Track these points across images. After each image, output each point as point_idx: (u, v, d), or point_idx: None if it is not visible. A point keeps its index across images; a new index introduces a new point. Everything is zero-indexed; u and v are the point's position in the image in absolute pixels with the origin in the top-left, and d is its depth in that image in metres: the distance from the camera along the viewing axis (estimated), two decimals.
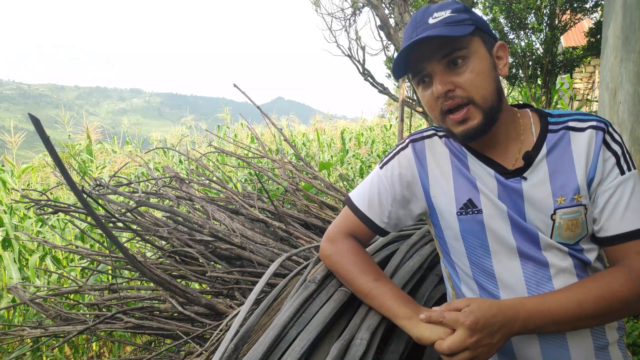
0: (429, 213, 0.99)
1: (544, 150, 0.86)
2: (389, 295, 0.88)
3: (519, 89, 6.59)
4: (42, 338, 2.19)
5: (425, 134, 0.98)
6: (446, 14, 0.82)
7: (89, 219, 2.43)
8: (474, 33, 0.83)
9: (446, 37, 0.80)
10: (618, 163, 0.83)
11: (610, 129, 0.84)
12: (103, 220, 2.09)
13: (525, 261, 0.86)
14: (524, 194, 0.86)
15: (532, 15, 5.74)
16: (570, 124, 0.86)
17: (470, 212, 0.89)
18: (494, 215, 0.87)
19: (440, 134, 0.97)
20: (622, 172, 0.82)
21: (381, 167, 1.00)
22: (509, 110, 0.91)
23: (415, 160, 0.96)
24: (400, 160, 0.97)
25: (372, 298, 0.91)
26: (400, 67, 0.88)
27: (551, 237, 0.85)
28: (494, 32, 0.92)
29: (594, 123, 0.85)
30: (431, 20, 0.82)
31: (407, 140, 0.99)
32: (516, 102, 0.95)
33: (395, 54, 7.13)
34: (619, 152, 0.83)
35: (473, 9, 0.91)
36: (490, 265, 0.89)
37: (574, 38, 9.65)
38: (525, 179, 0.86)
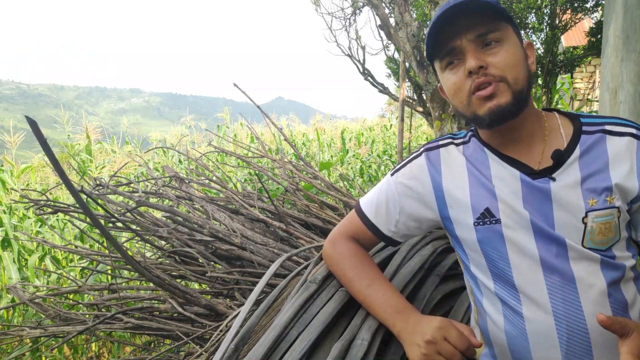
0: (443, 224, 0.95)
1: (577, 152, 0.82)
2: (379, 304, 0.87)
3: None
4: (42, 338, 2.19)
5: (440, 142, 0.95)
6: None
7: (88, 219, 2.42)
8: (508, 22, 0.82)
9: (485, 10, 0.78)
10: None
11: None
12: (102, 220, 2.09)
13: (549, 274, 0.81)
14: (552, 196, 0.80)
15: (533, 14, 5.73)
16: (607, 127, 0.82)
17: (488, 222, 0.85)
18: (513, 225, 0.83)
19: (457, 141, 0.93)
20: None
21: (392, 174, 0.97)
22: (535, 109, 0.87)
23: (428, 169, 0.92)
24: (412, 169, 0.94)
25: (367, 305, 0.90)
26: (433, 42, 0.84)
27: (582, 243, 0.80)
28: None
29: (634, 131, 0.81)
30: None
31: (421, 149, 0.96)
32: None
33: (396, 54, 7.12)
34: None
35: None
36: (511, 278, 0.84)
37: (574, 38, 9.64)
38: (554, 179, 0.81)
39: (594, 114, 0.88)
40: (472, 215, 0.87)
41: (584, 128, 0.83)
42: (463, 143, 0.93)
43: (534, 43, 5.85)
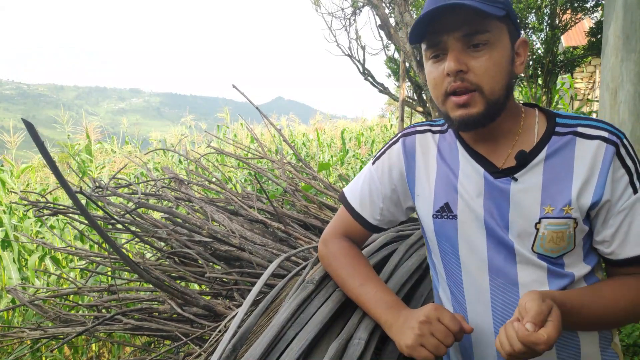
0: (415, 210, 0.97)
1: (543, 153, 0.80)
2: (373, 302, 0.87)
3: (520, 89, 6.59)
4: (42, 339, 2.19)
5: (418, 128, 0.95)
6: None
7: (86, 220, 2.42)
8: (503, 20, 0.77)
9: (476, 12, 0.73)
10: (631, 181, 0.77)
11: (624, 142, 0.77)
12: (101, 222, 2.09)
13: (494, 276, 0.83)
14: (510, 197, 0.80)
15: (533, 14, 5.73)
16: (580, 129, 0.79)
17: (445, 217, 0.87)
18: (468, 222, 0.84)
19: (435, 129, 0.93)
20: (636, 191, 0.77)
21: (373, 163, 0.98)
22: (514, 106, 0.85)
23: (403, 155, 0.93)
24: (390, 155, 0.95)
25: (360, 304, 0.91)
26: (418, 33, 0.81)
27: (532, 248, 0.80)
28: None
29: (605, 134, 0.77)
30: None
31: (398, 135, 0.97)
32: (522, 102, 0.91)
33: (396, 54, 7.12)
34: (633, 169, 0.77)
35: None
36: (459, 275, 0.87)
37: (574, 38, 9.63)
38: (515, 179, 0.80)
39: (573, 113, 0.86)
40: (433, 207, 0.89)
41: (557, 129, 0.81)
42: (440, 132, 0.92)
43: (534, 43, 5.85)
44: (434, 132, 0.93)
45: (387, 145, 0.98)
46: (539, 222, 0.78)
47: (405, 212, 0.99)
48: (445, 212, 0.87)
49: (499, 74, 0.77)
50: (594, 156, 0.77)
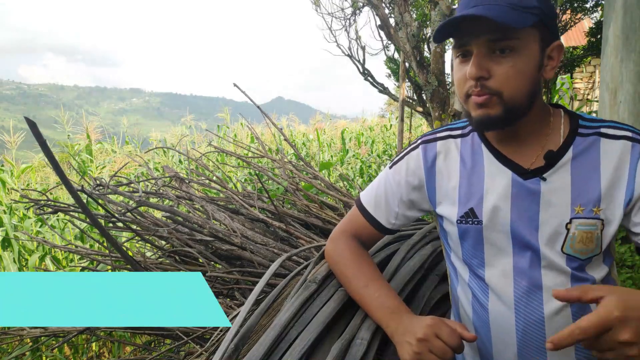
0: (435, 213, 0.97)
1: (569, 153, 0.80)
2: (374, 306, 0.87)
3: None
4: (42, 338, 2.19)
5: (438, 135, 0.93)
6: None
7: (88, 218, 2.42)
8: (535, 25, 0.75)
9: (502, 23, 0.72)
10: None
11: None
12: (102, 220, 2.09)
13: (519, 279, 0.83)
14: (541, 197, 0.80)
15: None
16: (603, 130, 0.80)
17: (470, 222, 0.86)
18: (494, 227, 0.84)
19: (455, 133, 0.92)
20: None
21: (390, 167, 0.98)
22: (542, 108, 0.84)
23: (423, 162, 0.92)
24: (408, 161, 0.94)
25: (362, 306, 0.91)
26: (444, 34, 0.80)
27: (562, 249, 0.80)
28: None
29: (629, 134, 0.79)
30: None
31: (418, 141, 0.95)
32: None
33: (396, 54, 7.12)
34: None
35: None
36: (483, 276, 0.88)
37: (574, 38, 9.63)
38: (544, 179, 0.80)
39: (595, 116, 0.86)
40: (457, 212, 0.88)
41: (580, 130, 0.82)
42: (462, 136, 0.91)
43: None
44: (454, 137, 0.92)
45: (406, 150, 0.97)
46: (570, 222, 0.79)
47: (419, 214, 0.99)
48: (470, 217, 0.86)
49: (520, 82, 0.76)
50: (620, 155, 0.78)
